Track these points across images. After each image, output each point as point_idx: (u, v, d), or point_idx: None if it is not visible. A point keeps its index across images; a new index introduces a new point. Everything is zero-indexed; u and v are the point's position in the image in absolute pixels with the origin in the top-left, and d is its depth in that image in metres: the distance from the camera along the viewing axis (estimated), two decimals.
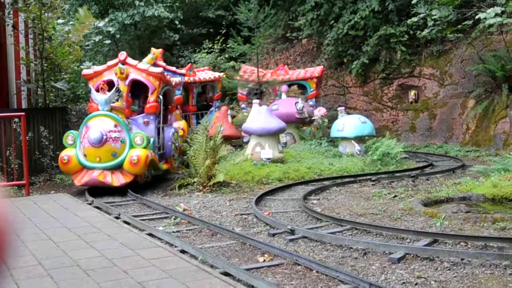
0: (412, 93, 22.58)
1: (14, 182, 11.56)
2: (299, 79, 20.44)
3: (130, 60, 12.25)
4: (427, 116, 21.55)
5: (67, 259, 6.11)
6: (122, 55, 12.16)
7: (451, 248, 6.57)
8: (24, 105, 15.04)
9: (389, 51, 22.65)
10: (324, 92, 25.37)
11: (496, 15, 14.08)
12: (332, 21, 23.42)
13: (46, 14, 14.59)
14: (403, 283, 5.41)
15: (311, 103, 19.86)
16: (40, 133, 13.32)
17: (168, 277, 5.35)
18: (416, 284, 5.36)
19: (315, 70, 20.80)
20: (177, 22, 26.47)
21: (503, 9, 14.32)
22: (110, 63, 12.32)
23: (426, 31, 18.63)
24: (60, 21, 16.15)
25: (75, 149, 11.30)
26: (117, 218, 8.59)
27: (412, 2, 18.56)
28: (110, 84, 12.16)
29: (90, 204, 9.90)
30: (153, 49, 14.99)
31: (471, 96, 19.64)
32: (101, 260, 6.04)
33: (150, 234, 7.47)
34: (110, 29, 23.12)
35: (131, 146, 11.32)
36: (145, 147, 11.46)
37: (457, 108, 20.36)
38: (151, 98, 12.01)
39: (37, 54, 15.32)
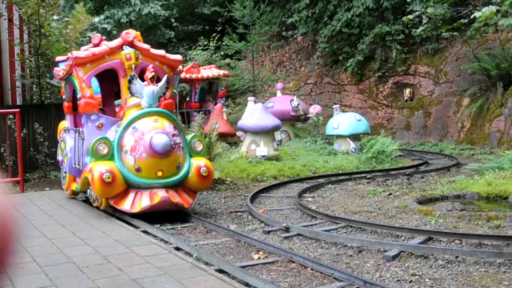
0: (407, 91, 22.62)
1: (8, 179, 11.53)
2: (210, 78, 20.51)
3: (139, 43, 9.31)
4: (422, 114, 21.59)
5: (61, 256, 6.10)
6: (129, 34, 9.06)
7: (446, 246, 6.58)
8: (18, 101, 14.99)
9: (384, 49, 22.68)
10: (319, 89, 25.39)
11: (491, 13, 14.09)
12: (327, 19, 23.44)
13: (43, 10, 14.53)
14: (398, 280, 5.42)
15: (221, 101, 20.23)
16: (35, 129, 13.28)
17: (163, 274, 5.34)
18: (411, 281, 5.37)
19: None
20: (172, 20, 26.45)
21: (498, 7, 14.34)
22: (110, 44, 9.05)
23: (420, 28, 18.65)
24: (55, 17, 16.07)
25: (115, 162, 8.14)
26: (112, 215, 8.57)
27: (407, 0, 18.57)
28: (106, 74, 9.71)
29: (84, 201, 9.88)
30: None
31: (466, 95, 19.69)
32: (96, 257, 6.03)
33: (145, 231, 7.47)
34: (106, 26, 23.09)
35: (190, 154, 8.75)
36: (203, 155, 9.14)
37: (452, 106, 20.40)
38: (167, 93, 9.19)
39: (32, 50, 15.27)
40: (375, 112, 23.41)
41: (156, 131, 7.99)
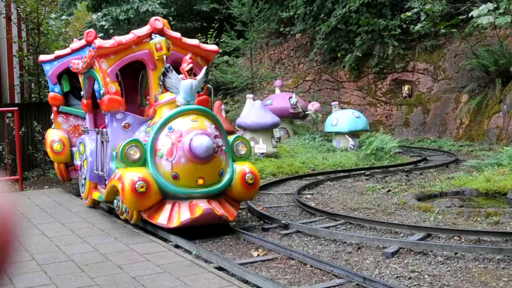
0: (406, 88, 22.63)
1: (7, 177, 11.52)
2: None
3: (170, 31, 8.28)
4: (421, 111, 21.60)
5: (61, 254, 6.10)
6: (159, 21, 8.01)
7: (445, 242, 6.59)
8: (17, 99, 14.96)
9: (382, 46, 22.68)
10: (318, 87, 25.38)
11: (489, 11, 14.10)
12: (324, 16, 23.44)
13: (43, 8, 14.51)
14: (397, 277, 5.42)
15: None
16: (34, 128, 13.26)
17: (163, 272, 5.35)
18: (410, 278, 5.38)
19: None
20: (171, 17, 26.43)
21: (495, 5, 14.34)
22: (137, 32, 7.97)
23: (419, 25, 18.65)
24: (53, 15, 16.06)
25: (148, 168, 6.99)
26: (111, 213, 8.57)
27: None
28: (127, 67, 8.60)
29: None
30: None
31: (465, 91, 19.69)
32: (95, 255, 6.03)
33: (144, 229, 7.46)
34: (104, 23, 23.04)
35: (232, 158, 7.61)
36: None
37: (450, 103, 20.41)
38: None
39: (30, 48, 15.24)
40: (373, 109, 23.42)
41: (196, 132, 6.80)
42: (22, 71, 15.19)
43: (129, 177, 6.83)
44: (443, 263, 5.82)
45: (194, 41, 8.43)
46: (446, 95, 20.78)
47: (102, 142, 8.27)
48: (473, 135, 18.60)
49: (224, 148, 7.25)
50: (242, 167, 7.44)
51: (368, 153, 14.48)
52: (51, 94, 10.48)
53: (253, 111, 14.91)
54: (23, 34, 15.26)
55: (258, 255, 6.30)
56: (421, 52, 22.02)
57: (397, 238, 6.80)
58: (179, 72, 7.30)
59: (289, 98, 18.74)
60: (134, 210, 7.13)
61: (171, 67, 7.08)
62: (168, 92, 7.33)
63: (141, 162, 7.01)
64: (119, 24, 24.92)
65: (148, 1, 24.86)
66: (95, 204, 8.85)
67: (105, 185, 8.17)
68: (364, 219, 7.76)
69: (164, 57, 7.80)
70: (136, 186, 6.73)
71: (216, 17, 27.99)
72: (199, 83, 7.26)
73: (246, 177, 7.34)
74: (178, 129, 6.92)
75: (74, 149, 10.07)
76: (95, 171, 8.56)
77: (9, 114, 12.37)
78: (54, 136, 10.30)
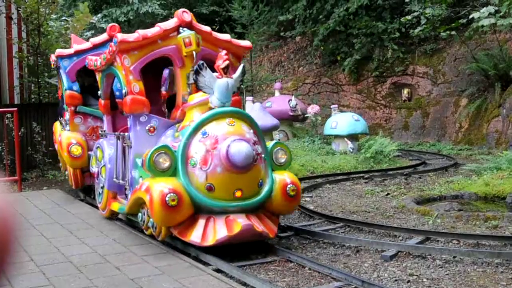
0: (405, 91, 22.65)
1: (6, 178, 11.51)
2: None
3: (198, 24, 7.46)
4: (420, 115, 21.61)
5: (59, 255, 6.09)
6: (187, 14, 7.26)
7: (443, 246, 6.59)
8: (17, 100, 14.96)
9: (382, 49, 22.71)
10: (317, 89, 25.41)
11: (490, 14, 14.11)
12: (324, 18, 23.49)
13: (43, 9, 14.52)
14: (395, 280, 5.42)
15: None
16: (33, 129, 13.26)
17: (161, 274, 5.34)
18: (408, 281, 5.38)
19: None
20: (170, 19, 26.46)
21: (496, 8, 14.35)
22: (163, 25, 7.16)
23: (418, 28, 18.67)
24: (53, 16, 16.06)
25: (179, 178, 6.16)
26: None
27: (406, 0, 18.59)
28: (151, 67, 7.80)
29: (82, 200, 9.87)
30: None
31: (464, 95, 19.71)
32: (94, 257, 6.02)
33: (142, 231, 7.45)
34: (103, 25, 23.05)
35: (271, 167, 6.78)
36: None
37: (450, 106, 20.43)
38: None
39: (30, 49, 15.25)
40: (373, 112, 23.44)
41: (234, 137, 6.03)
42: (22, 71, 15.20)
43: (158, 188, 6.00)
44: (441, 267, 5.82)
45: (226, 36, 7.72)
46: (445, 98, 20.80)
47: (124, 148, 7.41)
48: (472, 139, 18.61)
49: (263, 155, 6.48)
50: (282, 177, 6.65)
51: (367, 156, 14.48)
52: (68, 92, 9.51)
53: (252, 114, 14.88)
54: (23, 35, 15.27)
55: (257, 257, 6.29)
56: (421, 56, 22.04)
57: (396, 242, 6.80)
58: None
59: (289, 101, 18.75)
60: (163, 226, 6.25)
61: (205, 64, 6.27)
62: (199, 93, 6.56)
63: (171, 171, 6.20)
64: (119, 26, 24.93)
65: (148, 3, 24.88)
66: (113, 215, 7.99)
67: (126, 195, 7.48)
68: (363, 222, 7.76)
69: (194, 53, 7.00)
70: (167, 199, 5.88)
71: (216, 19, 28.02)
72: (235, 82, 6.48)
73: (287, 188, 6.51)
74: (213, 134, 6.12)
75: (90, 153, 9.04)
76: (114, 179, 7.68)
77: (9, 115, 12.37)
78: (71, 139, 9.28)
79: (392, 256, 6.15)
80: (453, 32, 18.16)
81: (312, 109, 18.31)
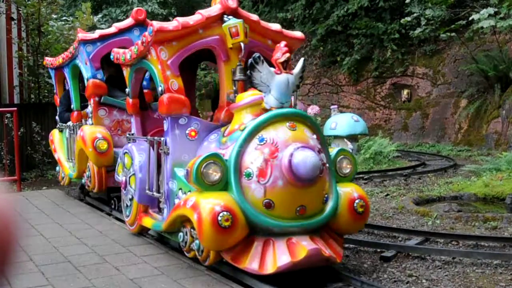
0: (405, 92, 22.66)
1: (5, 178, 11.51)
2: None
3: (245, 12, 6.44)
4: (420, 115, 21.62)
5: (58, 255, 6.09)
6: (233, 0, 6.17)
7: (443, 246, 6.59)
8: (16, 100, 14.97)
9: (382, 49, 22.72)
10: (317, 90, 25.41)
11: (490, 15, 14.13)
12: (322, 18, 23.52)
13: (44, 9, 14.53)
14: (395, 281, 5.42)
15: None
16: (33, 128, 13.27)
17: (160, 274, 5.34)
18: (408, 282, 5.38)
19: None
20: (171, 19, 26.49)
21: (496, 9, 14.37)
22: (206, 12, 6.20)
23: (418, 30, 18.68)
24: (54, 16, 16.06)
25: (232, 193, 5.16)
26: (109, 214, 8.57)
27: (406, 1, 18.60)
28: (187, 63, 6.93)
29: (82, 200, 9.87)
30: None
31: (464, 96, 19.72)
32: (93, 257, 6.02)
33: (140, 234, 7.44)
34: (103, 25, 23.06)
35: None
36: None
37: (449, 107, 20.44)
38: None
39: (30, 49, 15.25)
40: (372, 113, 23.45)
41: (297, 145, 5.06)
42: (22, 71, 15.20)
43: (207, 205, 4.99)
44: (440, 268, 5.82)
45: (276, 26, 6.66)
46: (445, 99, 20.81)
47: (159, 155, 6.35)
48: (471, 140, 18.62)
49: (327, 165, 5.50)
50: (348, 191, 5.68)
51: (367, 157, 14.48)
52: (91, 81, 8.52)
53: None
54: (23, 34, 15.28)
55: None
56: (421, 57, 22.06)
57: (395, 242, 6.80)
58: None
59: None
60: (212, 250, 5.25)
61: (261, 57, 5.27)
62: (250, 91, 5.69)
63: (222, 184, 5.19)
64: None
65: (148, 2, 24.89)
66: (142, 232, 6.98)
67: (159, 208, 6.52)
68: None
69: (242, 45, 6.00)
70: (219, 218, 4.88)
71: None
72: (295, 79, 5.49)
73: (355, 204, 5.57)
74: (272, 141, 5.14)
75: (116, 151, 8.24)
76: (146, 191, 6.53)
77: (8, 115, 12.37)
78: (96, 133, 8.36)
79: (391, 257, 6.16)
80: (453, 34, 18.16)
81: (312, 109, 18.30)
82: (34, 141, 13.29)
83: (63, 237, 6.98)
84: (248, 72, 5.24)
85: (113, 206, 8.69)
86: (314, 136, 5.41)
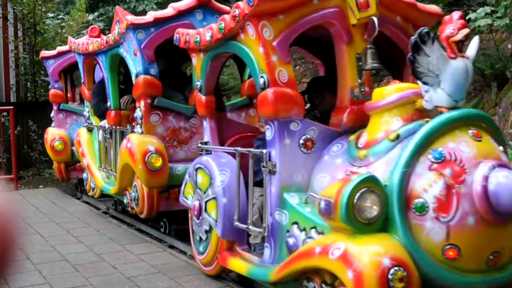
0: None
1: (2, 176, 11.49)
2: None
3: None
4: None
5: (55, 254, 6.09)
6: None
7: None
8: (13, 99, 14.95)
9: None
10: None
11: (487, 14, 14.16)
12: None
13: (39, 8, 14.51)
14: None
15: None
16: (29, 127, 13.25)
17: (157, 272, 5.35)
18: None
19: None
20: None
21: (492, 8, 14.39)
22: None
23: None
24: (50, 14, 16.03)
25: (399, 237, 3.49)
26: (106, 213, 8.56)
27: None
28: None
29: (79, 199, 9.86)
30: None
31: None
32: (90, 255, 6.03)
33: (139, 230, 7.45)
34: (99, 24, 23.05)
35: None
36: None
37: None
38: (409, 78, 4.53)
39: (27, 48, 15.23)
40: None
41: (490, 163, 3.54)
42: (18, 70, 15.19)
43: (370, 257, 3.37)
44: None
45: None
46: None
47: (256, 172, 4.63)
48: None
49: None
50: None
51: None
52: (143, 77, 6.61)
53: None
54: (19, 33, 15.27)
55: None
56: None
57: None
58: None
59: None
60: None
61: (432, 34, 3.68)
62: (393, 85, 4.15)
63: (380, 222, 3.58)
64: None
65: (145, 1, 24.87)
66: (222, 273, 5.28)
67: (249, 245, 4.90)
68: None
69: (375, 19, 4.31)
70: (389, 277, 3.30)
71: None
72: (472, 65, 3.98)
73: None
74: (455, 157, 3.57)
75: (172, 166, 6.58)
76: (236, 223, 4.72)
77: (5, 113, 12.35)
78: (147, 145, 6.48)
79: None
80: None
81: None
82: (30, 139, 13.28)
83: (60, 235, 6.99)
84: (409, 56, 3.67)
85: (162, 230, 6.97)
86: (501, 148, 3.84)
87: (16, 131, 11.89)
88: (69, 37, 9.28)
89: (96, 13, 23.78)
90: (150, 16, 6.78)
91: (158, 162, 6.41)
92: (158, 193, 6.58)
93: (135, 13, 24.50)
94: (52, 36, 15.30)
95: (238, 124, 6.00)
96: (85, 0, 16.73)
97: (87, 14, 19.47)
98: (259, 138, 4.91)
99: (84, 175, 9.00)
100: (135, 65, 6.78)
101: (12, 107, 11.73)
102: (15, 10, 14.74)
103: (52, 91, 10.30)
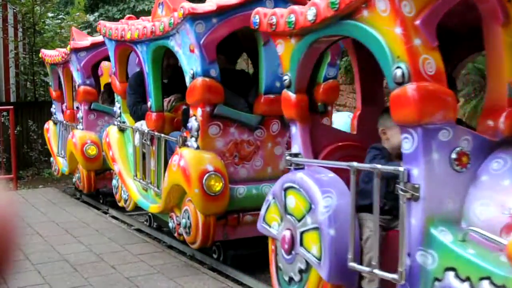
0: None
1: (1, 176, 11.49)
2: None
3: None
4: None
5: (54, 254, 6.09)
6: None
7: None
8: (12, 99, 14.95)
9: None
10: None
11: None
12: None
13: (38, 8, 14.51)
14: None
15: None
16: (29, 127, 13.25)
17: (156, 273, 5.35)
18: None
19: None
20: None
21: None
22: None
23: None
24: (50, 14, 16.03)
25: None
26: (105, 213, 8.56)
27: None
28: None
29: (78, 199, 9.85)
30: None
31: (460, 95, 19.68)
32: (89, 255, 6.02)
33: (138, 230, 7.44)
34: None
35: None
36: None
37: None
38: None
39: (26, 47, 15.23)
40: None
41: None
42: (18, 70, 15.19)
43: None
44: None
45: None
46: None
47: (365, 193, 3.69)
48: None
49: None
50: None
51: None
52: (201, 80, 5.26)
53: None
54: (19, 33, 15.26)
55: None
56: None
57: None
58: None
59: None
60: None
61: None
62: None
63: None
64: None
65: (145, 1, 24.85)
66: None
67: None
68: None
69: None
70: None
71: None
72: None
73: None
74: None
75: (234, 188, 5.35)
76: (350, 263, 3.48)
77: (4, 113, 12.35)
78: (205, 164, 5.23)
79: None
80: None
81: None
82: (30, 139, 13.28)
83: (60, 235, 6.98)
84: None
85: (215, 256, 5.80)
86: None
87: (15, 131, 11.90)
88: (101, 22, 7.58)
89: (96, 14, 23.79)
90: (212, 3, 5.33)
91: (218, 186, 5.18)
92: (215, 220, 5.35)
93: (135, 13, 24.54)
94: (52, 36, 15.30)
95: (335, 130, 4.97)
96: (85, 0, 16.71)
97: (87, 15, 19.47)
98: (376, 147, 3.84)
99: (114, 181, 7.55)
100: (190, 63, 5.41)
101: (12, 107, 11.73)
102: (14, 10, 14.73)
103: (82, 88, 8.70)
